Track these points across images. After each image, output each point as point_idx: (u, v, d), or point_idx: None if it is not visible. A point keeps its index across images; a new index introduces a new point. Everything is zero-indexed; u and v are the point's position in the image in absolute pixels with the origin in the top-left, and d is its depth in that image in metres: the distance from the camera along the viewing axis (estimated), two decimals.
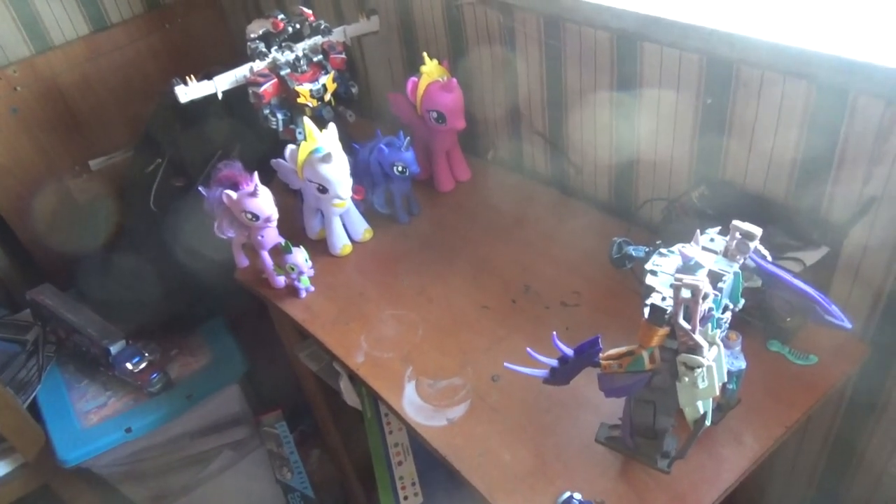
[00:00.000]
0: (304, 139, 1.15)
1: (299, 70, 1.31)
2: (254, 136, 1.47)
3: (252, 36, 1.31)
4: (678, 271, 0.72)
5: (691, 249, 0.74)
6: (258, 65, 1.30)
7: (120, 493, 1.60)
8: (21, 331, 1.66)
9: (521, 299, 1.13)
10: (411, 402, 1.00)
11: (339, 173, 1.17)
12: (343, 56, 1.35)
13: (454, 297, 1.15)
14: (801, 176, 0.98)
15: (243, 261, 1.28)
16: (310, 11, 1.36)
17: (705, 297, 0.68)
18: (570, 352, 0.80)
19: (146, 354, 1.54)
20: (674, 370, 0.74)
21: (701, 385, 0.72)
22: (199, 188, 1.18)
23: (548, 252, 1.21)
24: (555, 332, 0.81)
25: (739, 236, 0.74)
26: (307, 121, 1.16)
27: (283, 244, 1.17)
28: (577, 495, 0.83)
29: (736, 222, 0.74)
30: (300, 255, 1.16)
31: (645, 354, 0.74)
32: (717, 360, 0.73)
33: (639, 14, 1.01)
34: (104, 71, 1.83)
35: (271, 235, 1.18)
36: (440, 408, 0.98)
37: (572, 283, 1.14)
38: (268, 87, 1.28)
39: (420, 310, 1.14)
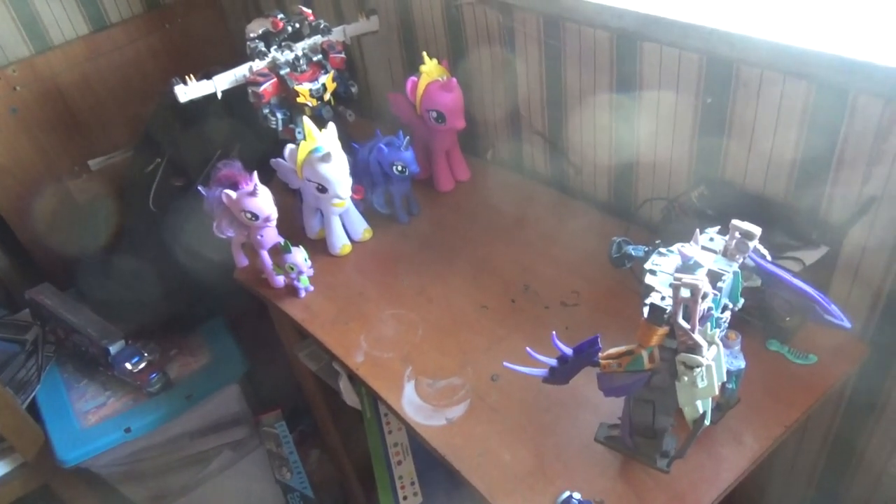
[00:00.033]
0: (304, 139, 1.15)
1: (299, 69, 1.31)
2: (253, 135, 1.47)
3: (251, 35, 1.31)
4: (677, 271, 0.72)
5: (691, 249, 0.74)
6: (258, 64, 1.30)
7: (119, 493, 1.60)
8: (20, 331, 1.66)
9: (521, 299, 1.13)
10: (411, 402, 1.00)
11: (338, 173, 1.17)
12: (343, 56, 1.35)
13: (454, 296, 1.15)
14: (801, 175, 0.98)
15: (243, 260, 1.28)
16: (309, 11, 1.37)
17: (704, 296, 0.68)
18: (569, 351, 0.80)
19: (145, 354, 1.54)
20: (673, 369, 0.74)
21: (700, 384, 0.72)
22: (199, 188, 1.18)
23: (547, 252, 1.21)
24: (554, 332, 0.81)
25: (739, 236, 0.74)
26: (307, 120, 1.16)
27: (282, 244, 1.17)
28: (577, 495, 0.83)
29: (735, 222, 0.74)
30: (299, 255, 1.16)
31: (644, 354, 0.74)
32: (716, 360, 0.73)
33: (638, 13, 1.01)
34: (104, 71, 1.83)
35: (271, 235, 1.18)
36: (439, 407, 0.98)
37: (572, 283, 1.14)
38: (267, 86, 1.28)
39: (419, 309, 1.14)
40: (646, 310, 0.72)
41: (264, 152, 1.28)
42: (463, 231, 1.29)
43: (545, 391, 0.93)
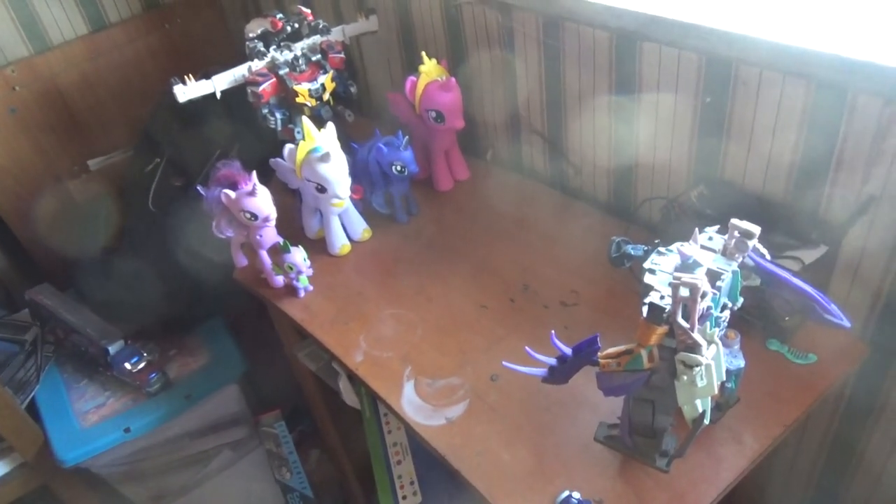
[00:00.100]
0: (303, 138, 1.15)
1: (298, 69, 1.31)
2: (252, 135, 1.47)
3: (250, 35, 1.31)
4: (677, 270, 0.72)
5: (690, 248, 0.74)
6: (257, 64, 1.30)
7: (119, 493, 1.60)
8: (20, 331, 1.66)
9: (520, 299, 1.13)
10: (410, 402, 1.00)
11: (337, 173, 1.17)
12: (342, 55, 1.35)
13: (453, 296, 1.15)
14: (800, 175, 0.98)
15: (242, 260, 1.28)
16: (308, 11, 1.37)
17: (704, 295, 0.68)
18: (568, 351, 0.80)
19: (145, 354, 1.54)
20: (672, 369, 0.74)
21: (699, 384, 0.72)
22: (198, 187, 1.18)
23: (547, 252, 1.21)
24: (553, 331, 0.81)
25: (738, 235, 0.74)
26: (306, 120, 1.16)
27: (281, 244, 1.16)
28: (576, 494, 0.83)
29: (734, 221, 0.74)
30: (299, 255, 1.16)
31: (643, 353, 0.74)
32: (715, 359, 0.73)
33: (638, 13, 1.01)
34: (103, 71, 1.83)
35: (270, 235, 1.18)
36: (439, 407, 0.98)
37: (571, 283, 1.14)
38: (266, 86, 1.28)
39: (419, 309, 1.14)
40: (645, 309, 0.72)
41: (263, 152, 1.28)
42: (462, 231, 1.29)
43: (544, 391, 0.93)
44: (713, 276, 0.72)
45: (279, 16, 1.31)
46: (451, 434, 0.94)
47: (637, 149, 1.19)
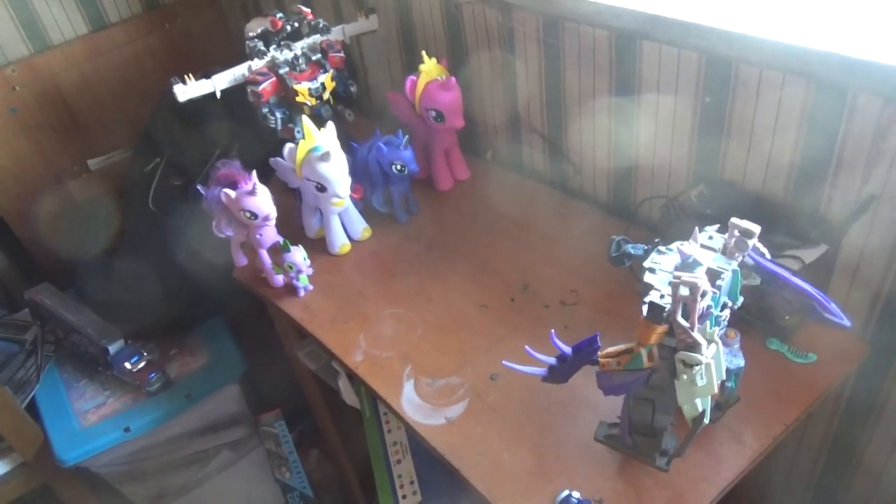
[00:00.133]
0: (303, 138, 1.15)
1: (298, 69, 1.30)
2: (253, 135, 1.47)
3: (250, 34, 1.31)
4: (677, 269, 0.72)
5: (690, 247, 0.74)
6: (256, 63, 1.30)
7: (119, 493, 1.60)
8: (19, 330, 1.66)
9: (520, 298, 1.13)
10: (410, 401, 1.00)
11: (337, 172, 1.16)
12: (342, 55, 1.35)
13: (453, 296, 1.15)
14: (800, 174, 0.98)
15: (242, 260, 1.28)
16: (308, 10, 1.37)
17: (704, 294, 0.68)
18: (568, 350, 0.80)
19: (145, 354, 1.54)
20: (672, 368, 0.74)
21: (699, 383, 0.72)
22: (198, 187, 1.18)
23: (547, 251, 1.21)
24: (553, 330, 0.81)
25: (738, 234, 0.74)
26: (306, 119, 1.16)
27: (281, 243, 1.16)
28: (576, 494, 0.83)
29: (734, 220, 0.74)
30: (299, 254, 1.16)
31: (643, 352, 0.74)
32: (715, 358, 0.73)
33: (638, 12, 1.01)
34: (103, 71, 1.83)
35: (270, 234, 1.18)
36: (439, 406, 0.98)
37: (571, 282, 1.14)
38: (266, 85, 1.28)
39: (419, 309, 1.14)
40: (645, 308, 0.72)
41: (263, 151, 1.27)
42: (462, 230, 1.29)
43: (544, 390, 0.93)
44: (713, 275, 0.72)
45: (279, 15, 1.31)
46: (450, 433, 0.94)
47: (637, 148, 1.19)
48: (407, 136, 1.24)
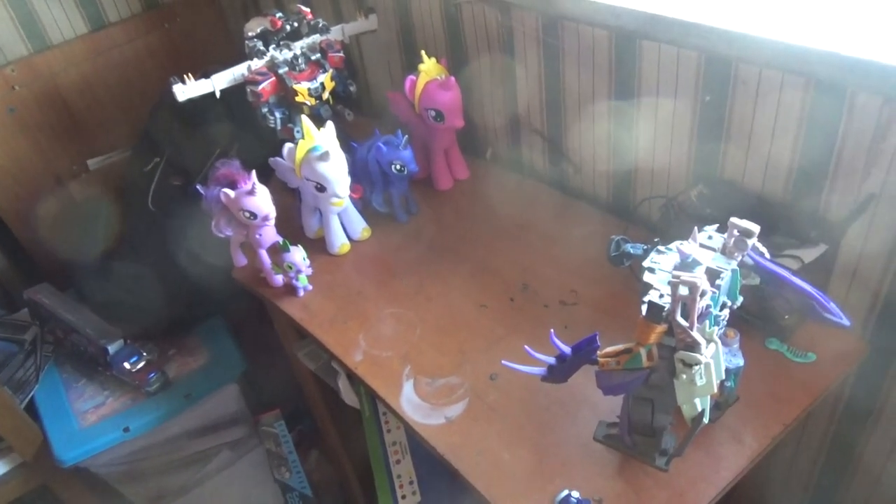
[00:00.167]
0: (302, 137, 1.15)
1: (297, 68, 1.30)
2: (252, 135, 1.47)
3: (250, 34, 1.31)
4: (676, 268, 0.72)
5: (689, 247, 0.74)
6: (256, 63, 1.29)
7: (118, 493, 1.60)
8: (19, 330, 1.66)
9: (520, 298, 1.13)
10: (409, 401, 1.00)
11: (337, 172, 1.16)
12: (341, 54, 1.35)
13: (453, 295, 1.15)
14: (800, 174, 0.98)
15: (241, 260, 1.28)
16: (308, 10, 1.36)
17: (703, 294, 0.68)
18: (567, 350, 0.80)
19: (144, 354, 1.54)
20: (671, 367, 0.74)
21: (699, 382, 0.72)
22: (197, 187, 1.18)
23: (547, 251, 1.21)
24: (552, 330, 0.81)
25: (737, 233, 0.74)
26: (305, 119, 1.16)
27: (281, 243, 1.16)
28: (576, 493, 0.83)
29: (734, 219, 0.74)
30: (298, 254, 1.16)
31: (643, 352, 0.74)
32: (714, 358, 0.73)
33: (637, 12, 1.01)
34: (102, 70, 1.83)
35: (269, 234, 1.18)
36: (438, 406, 0.98)
37: (571, 282, 1.14)
38: (266, 85, 1.28)
39: (418, 308, 1.14)
40: (644, 307, 0.72)
41: (263, 151, 1.27)
42: (462, 230, 1.29)
43: (544, 390, 0.93)
44: (712, 275, 0.72)
45: (278, 15, 1.31)
46: (450, 433, 0.94)
47: (637, 148, 1.19)
48: (406, 136, 1.24)
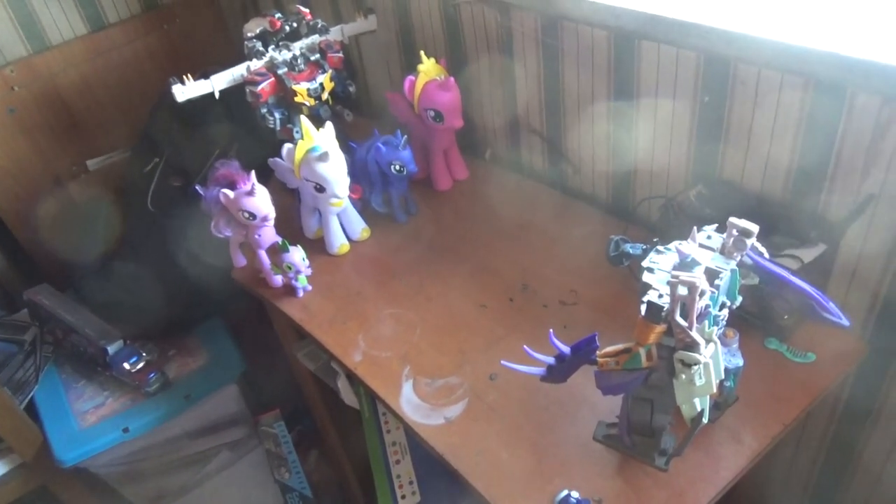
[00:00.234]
0: (302, 138, 1.15)
1: (296, 69, 1.30)
2: (251, 135, 1.47)
3: (249, 35, 1.31)
4: (675, 268, 0.72)
5: (688, 246, 0.74)
6: (255, 64, 1.29)
7: (118, 494, 1.60)
8: (18, 331, 1.66)
9: (519, 298, 1.13)
10: (409, 401, 1.00)
11: (336, 172, 1.16)
12: (340, 55, 1.35)
13: (452, 295, 1.15)
14: (799, 174, 0.98)
15: (241, 260, 1.28)
16: (307, 10, 1.36)
17: (702, 293, 0.68)
18: (567, 350, 0.80)
19: (144, 354, 1.54)
20: (671, 367, 0.74)
21: (698, 382, 0.72)
22: (197, 187, 1.18)
23: (546, 251, 1.21)
24: (552, 330, 0.81)
25: (736, 233, 0.74)
26: (304, 119, 1.16)
27: (280, 243, 1.16)
28: (575, 493, 0.83)
29: (733, 219, 0.74)
30: (297, 254, 1.16)
31: (642, 352, 0.74)
32: (714, 358, 0.73)
33: (637, 12, 1.01)
34: (102, 71, 1.83)
35: (268, 234, 1.18)
36: (438, 406, 0.98)
37: (570, 282, 1.14)
38: (265, 85, 1.28)
39: (418, 309, 1.14)
40: (643, 307, 0.71)
41: (262, 152, 1.27)
42: (461, 230, 1.29)
43: (543, 390, 0.93)
44: (711, 275, 0.72)
45: (278, 15, 1.31)
46: (449, 433, 0.94)
47: (636, 148, 1.19)
48: (405, 137, 1.24)
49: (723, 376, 0.78)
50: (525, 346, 0.83)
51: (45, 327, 1.66)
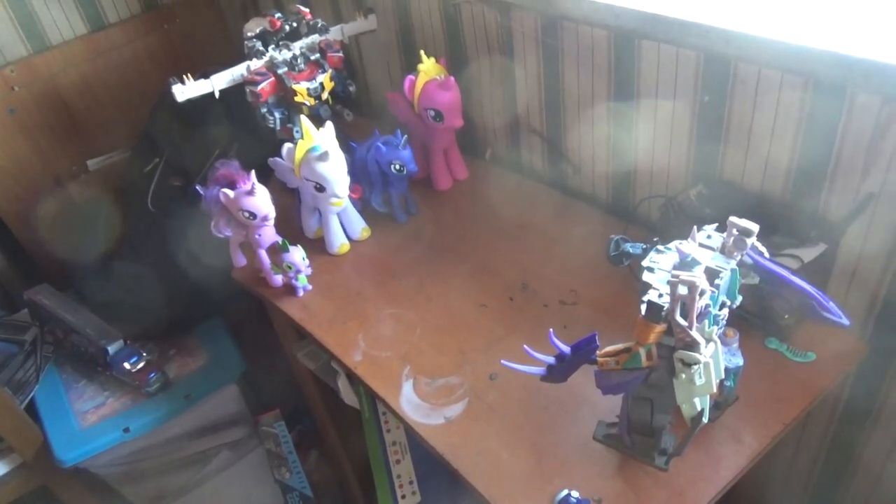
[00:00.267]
0: (302, 138, 1.15)
1: (296, 69, 1.30)
2: (251, 135, 1.47)
3: (249, 34, 1.31)
4: (675, 268, 0.72)
5: (688, 246, 0.74)
6: (255, 63, 1.29)
7: (118, 494, 1.60)
8: (19, 331, 1.66)
9: (519, 298, 1.13)
10: (409, 401, 1.00)
11: (336, 172, 1.16)
12: (340, 55, 1.35)
13: (452, 295, 1.15)
14: (799, 173, 0.98)
15: (241, 260, 1.28)
16: (307, 10, 1.36)
17: (702, 293, 0.68)
18: (567, 349, 0.80)
19: (144, 354, 1.54)
20: (671, 367, 0.74)
21: (698, 382, 0.72)
22: (197, 187, 1.18)
23: (546, 251, 1.21)
24: (552, 329, 0.81)
25: (736, 233, 0.74)
26: (304, 119, 1.16)
27: (280, 243, 1.16)
28: (575, 493, 0.83)
29: (733, 219, 0.74)
30: (297, 254, 1.16)
31: (642, 351, 0.74)
32: (714, 357, 0.73)
33: (637, 12, 1.01)
34: (102, 71, 1.83)
35: (269, 234, 1.18)
36: (438, 406, 0.98)
37: (570, 282, 1.14)
38: (265, 85, 1.28)
39: (418, 309, 1.14)
40: (643, 307, 0.71)
41: (262, 151, 1.27)
42: (461, 230, 1.29)
43: (543, 390, 0.93)
44: (711, 274, 0.72)
45: (278, 15, 1.31)
46: (449, 433, 0.94)
47: (636, 148, 1.19)
48: (406, 136, 1.24)
49: (723, 376, 0.78)
50: (525, 346, 0.83)
51: (46, 327, 1.66)
